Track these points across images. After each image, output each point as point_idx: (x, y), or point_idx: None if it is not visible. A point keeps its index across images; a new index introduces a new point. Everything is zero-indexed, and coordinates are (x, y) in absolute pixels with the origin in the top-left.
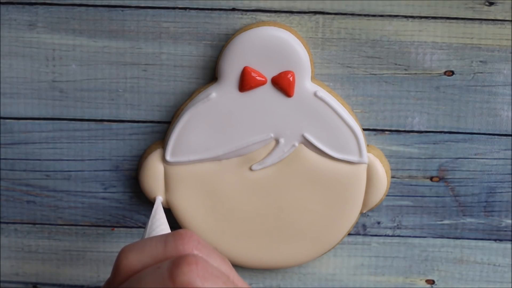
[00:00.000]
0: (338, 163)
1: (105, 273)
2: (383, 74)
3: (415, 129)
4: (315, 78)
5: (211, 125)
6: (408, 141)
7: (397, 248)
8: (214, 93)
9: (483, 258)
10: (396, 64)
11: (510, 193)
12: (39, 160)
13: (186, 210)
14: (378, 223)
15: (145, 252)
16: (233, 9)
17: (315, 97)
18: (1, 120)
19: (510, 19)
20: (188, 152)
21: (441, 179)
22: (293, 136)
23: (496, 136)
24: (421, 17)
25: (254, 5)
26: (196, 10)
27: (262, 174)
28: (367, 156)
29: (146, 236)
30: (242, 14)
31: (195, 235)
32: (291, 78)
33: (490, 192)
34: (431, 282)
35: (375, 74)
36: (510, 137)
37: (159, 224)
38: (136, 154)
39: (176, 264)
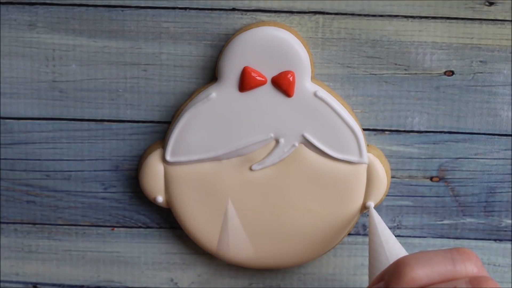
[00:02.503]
0: (338, 163)
1: (105, 273)
2: (383, 74)
3: (415, 129)
4: (315, 78)
5: (211, 125)
6: (408, 141)
7: None
8: (214, 93)
9: (483, 258)
10: (396, 64)
11: (510, 193)
12: (39, 160)
13: (186, 210)
14: None
15: (433, 268)
16: (233, 9)
17: (315, 97)
18: (1, 120)
19: (510, 19)
20: (188, 152)
21: (441, 179)
22: (293, 136)
23: (496, 136)
24: (421, 17)
25: (254, 5)
26: (196, 10)
27: (262, 174)
28: (367, 156)
29: (384, 245)
30: (242, 14)
31: (476, 255)
32: (291, 78)
33: (490, 192)
34: None
35: (375, 74)
36: (510, 137)
37: (395, 240)
38: (136, 154)
39: (476, 285)
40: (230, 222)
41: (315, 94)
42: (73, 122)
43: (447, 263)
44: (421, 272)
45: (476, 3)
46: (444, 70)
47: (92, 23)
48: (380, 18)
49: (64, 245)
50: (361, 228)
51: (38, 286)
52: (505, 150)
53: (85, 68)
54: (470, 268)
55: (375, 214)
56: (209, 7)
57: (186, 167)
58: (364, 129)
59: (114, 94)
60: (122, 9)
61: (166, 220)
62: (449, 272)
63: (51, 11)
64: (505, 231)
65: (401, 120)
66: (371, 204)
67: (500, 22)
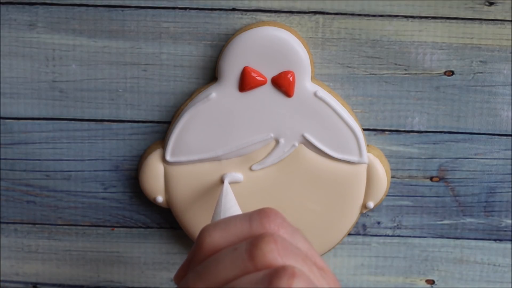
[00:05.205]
0: (338, 163)
1: (105, 273)
2: (383, 74)
3: (415, 129)
4: (315, 78)
5: (211, 125)
6: (408, 141)
7: (397, 248)
8: (214, 93)
9: (483, 258)
10: (396, 64)
11: (510, 193)
12: (39, 160)
13: (186, 210)
14: (378, 223)
15: (229, 230)
16: (233, 9)
17: (315, 97)
18: (1, 120)
19: (510, 19)
20: (188, 152)
21: (441, 179)
22: (293, 136)
23: (496, 136)
24: (421, 17)
25: (254, 5)
26: (196, 10)
27: (262, 174)
28: (367, 156)
29: (221, 215)
30: (242, 14)
31: (280, 213)
32: (291, 78)
33: (490, 192)
34: (431, 282)
35: (375, 74)
36: (510, 137)
37: (233, 205)
38: (136, 154)
39: (255, 244)
40: None
41: (315, 94)
42: (73, 122)
43: (244, 224)
44: (218, 236)
45: (476, 3)
46: (444, 70)
47: (92, 23)
48: (380, 18)
49: (64, 245)
50: (361, 228)
51: (38, 286)
52: (505, 150)
53: (85, 68)
54: (268, 226)
55: (226, 186)
56: (209, 7)
57: (186, 167)
58: (364, 129)
59: (114, 94)
60: (122, 9)
61: (166, 220)
62: (245, 232)
63: (51, 11)
64: (505, 231)
65: (401, 120)
66: (227, 176)
67: (500, 22)
